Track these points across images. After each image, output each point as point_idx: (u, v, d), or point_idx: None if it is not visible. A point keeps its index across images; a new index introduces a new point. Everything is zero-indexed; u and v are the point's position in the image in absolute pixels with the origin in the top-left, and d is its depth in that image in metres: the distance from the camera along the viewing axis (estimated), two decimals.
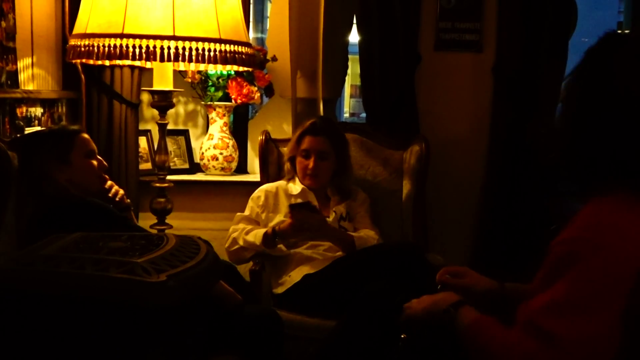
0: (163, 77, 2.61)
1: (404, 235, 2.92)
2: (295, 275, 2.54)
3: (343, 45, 3.28)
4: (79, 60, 2.55)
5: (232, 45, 2.44)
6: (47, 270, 1.43)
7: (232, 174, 3.36)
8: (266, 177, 2.95)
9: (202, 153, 3.32)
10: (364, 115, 3.48)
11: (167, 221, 2.78)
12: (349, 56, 3.32)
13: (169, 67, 2.62)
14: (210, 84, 3.25)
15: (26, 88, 2.63)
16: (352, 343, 2.17)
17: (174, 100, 2.75)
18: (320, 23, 3.13)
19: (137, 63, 2.75)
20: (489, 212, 3.18)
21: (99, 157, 2.33)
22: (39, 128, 2.66)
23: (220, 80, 3.24)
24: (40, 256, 1.48)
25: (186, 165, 3.43)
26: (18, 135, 2.48)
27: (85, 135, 2.31)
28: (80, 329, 1.41)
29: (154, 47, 2.32)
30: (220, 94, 3.27)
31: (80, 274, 1.41)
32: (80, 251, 1.51)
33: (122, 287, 1.38)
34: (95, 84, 2.98)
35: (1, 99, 2.40)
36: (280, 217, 2.65)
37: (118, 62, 2.66)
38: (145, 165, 3.29)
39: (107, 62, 2.64)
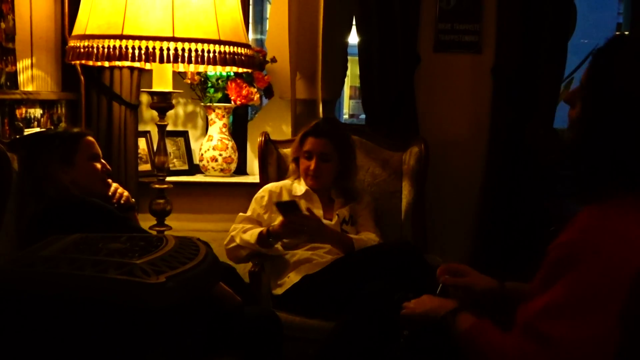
0: (162, 79, 2.61)
1: (403, 237, 2.92)
2: (295, 276, 2.54)
3: (342, 47, 3.28)
4: (78, 62, 2.55)
5: (231, 47, 2.44)
6: (47, 272, 1.43)
7: (231, 175, 3.36)
8: (265, 178, 2.95)
9: (202, 154, 3.32)
10: (363, 116, 3.48)
11: (166, 222, 2.78)
12: (349, 57, 3.33)
13: (169, 68, 2.62)
14: (209, 85, 3.25)
15: (25, 89, 2.63)
16: (351, 344, 2.17)
17: (174, 101, 2.75)
18: (320, 24, 3.13)
19: (136, 64, 2.75)
20: (488, 213, 3.18)
21: (102, 161, 2.34)
22: (38, 129, 2.66)
23: (219, 81, 3.24)
24: (40, 257, 1.48)
25: (185, 167, 3.43)
26: (17, 136, 2.48)
27: (91, 139, 2.32)
28: (79, 330, 1.41)
29: (154, 48, 2.32)
30: (219, 95, 3.27)
31: (80, 275, 1.41)
32: (79, 252, 1.52)
33: (121, 288, 1.39)
34: (95, 85, 2.98)
35: (0, 100, 2.40)
36: (282, 218, 2.65)
37: (117, 63, 2.66)
38: (145, 167, 3.29)
39: (106, 63, 2.64)
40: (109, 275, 1.40)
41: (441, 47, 3.23)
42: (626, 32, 3.82)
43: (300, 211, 2.49)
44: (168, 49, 2.33)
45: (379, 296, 2.14)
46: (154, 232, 2.72)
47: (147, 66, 2.76)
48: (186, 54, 2.34)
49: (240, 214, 2.73)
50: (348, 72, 3.38)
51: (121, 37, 2.32)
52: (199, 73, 3.16)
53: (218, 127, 3.29)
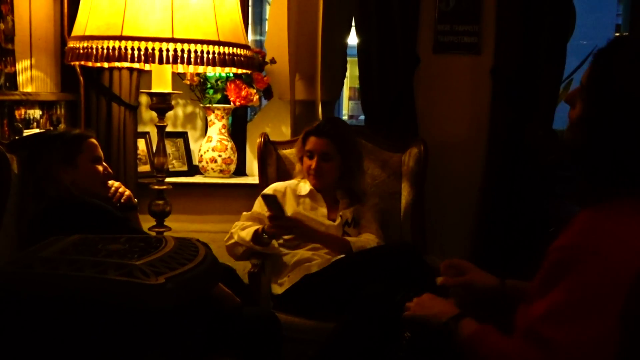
0: (162, 80, 2.61)
1: (403, 238, 2.92)
2: (295, 276, 2.54)
3: (342, 48, 3.28)
4: (77, 63, 2.55)
5: (230, 48, 2.44)
6: (46, 273, 1.43)
7: (230, 176, 3.36)
8: (265, 180, 2.95)
9: (201, 155, 3.32)
10: (362, 117, 3.48)
11: (165, 223, 2.78)
12: (348, 58, 3.32)
13: (168, 69, 2.62)
14: (209, 86, 3.25)
15: (25, 90, 2.63)
16: (351, 345, 2.17)
17: (173, 102, 2.75)
18: (319, 25, 3.13)
19: (135, 65, 2.75)
20: (487, 214, 3.18)
21: (104, 164, 2.35)
22: (37, 130, 2.66)
23: (218, 82, 3.24)
24: (39, 258, 1.48)
25: (185, 168, 3.43)
26: (17, 137, 2.48)
27: (94, 141, 2.34)
28: (78, 331, 1.41)
29: (153, 49, 2.32)
30: (218, 96, 3.27)
31: (79, 277, 1.41)
32: (79, 253, 1.52)
33: (120, 289, 1.39)
34: (94, 86, 2.98)
35: (0, 101, 2.40)
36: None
37: (117, 64, 2.66)
38: (144, 168, 3.29)
39: (105, 64, 2.64)
40: (108, 277, 1.40)
41: (440, 48, 3.23)
42: (626, 34, 3.83)
43: (280, 205, 2.51)
44: (167, 50, 2.33)
45: (379, 297, 2.14)
46: (153, 233, 2.72)
47: (147, 67, 2.76)
48: (185, 55, 2.34)
49: (245, 212, 2.75)
50: (347, 73, 3.38)
51: (120, 38, 2.32)
52: (198, 74, 3.16)
53: (217, 128, 3.29)
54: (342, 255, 2.57)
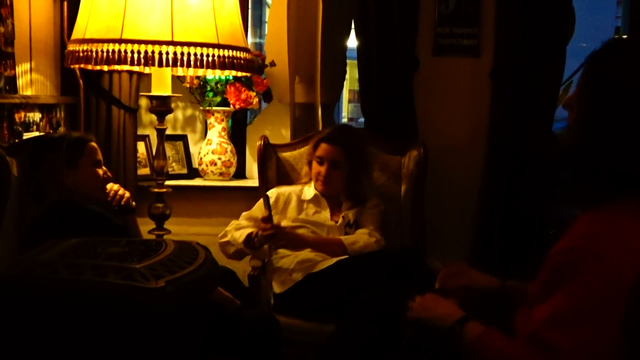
0: (161, 82, 2.61)
1: (403, 240, 2.92)
2: (297, 275, 2.54)
3: (341, 50, 3.28)
4: (77, 66, 2.55)
5: (230, 51, 2.44)
6: (46, 276, 1.43)
7: (230, 179, 3.36)
8: (265, 182, 2.95)
9: (201, 158, 3.32)
10: (362, 120, 3.47)
11: (165, 226, 2.77)
12: (347, 61, 3.33)
13: (168, 72, 2.62)
14: (208, 89, 3.25)
15: (24, 93, 2.63)
16: (351, 347, 2.16)
17: (173, 105, 2.75)
18: (319, 28, 3.13)
19: (135, 68, 2.75)
20: (487, 216, 3.18)
21: (104, 167, 2.36)
22: (37, 133, 2.66)
23: (218, 85, 3.24)
24: (39, 262, 1.48)
25: (184, 171, 3.43)
26: (16, 140, 2.48)
27: (95, 145, 2.35)
28: (79, 334, 1.41)
29: (152, 52, 2.32)
30: (218, 99, 3.27)
31: (79, 280, 1.41)
32: (78, 257, 1.51)
33: (120, 292, 1.38)
34: (94, 89, 2.98)
35: (0, 104, 2.40)
36: (286, 222, 2.66)
37: (116, 67, 2.66)
38: (144, 171, 3.29)
39: (105, 68, 2.63)
40: (108, 280, 1.39)
41: (440, 51, 3.23)
42: (625, 36, 3.83)
43: (269, 208, 2.53)
44: (167, 53, 2.33)
45: (378, 300, 2.14)
46: (153, 236, 2.72)
47: (146, 70, 2.76)
48: (185, 58, 2.34)
49: (244, 212, 2.75)
50: (347, 76, 3.38)
51: (120, 41, 2.32)
52: (197, 77, 3.16)
53: (217, 131, 3.29)
54: (346, 256, 2.57)
